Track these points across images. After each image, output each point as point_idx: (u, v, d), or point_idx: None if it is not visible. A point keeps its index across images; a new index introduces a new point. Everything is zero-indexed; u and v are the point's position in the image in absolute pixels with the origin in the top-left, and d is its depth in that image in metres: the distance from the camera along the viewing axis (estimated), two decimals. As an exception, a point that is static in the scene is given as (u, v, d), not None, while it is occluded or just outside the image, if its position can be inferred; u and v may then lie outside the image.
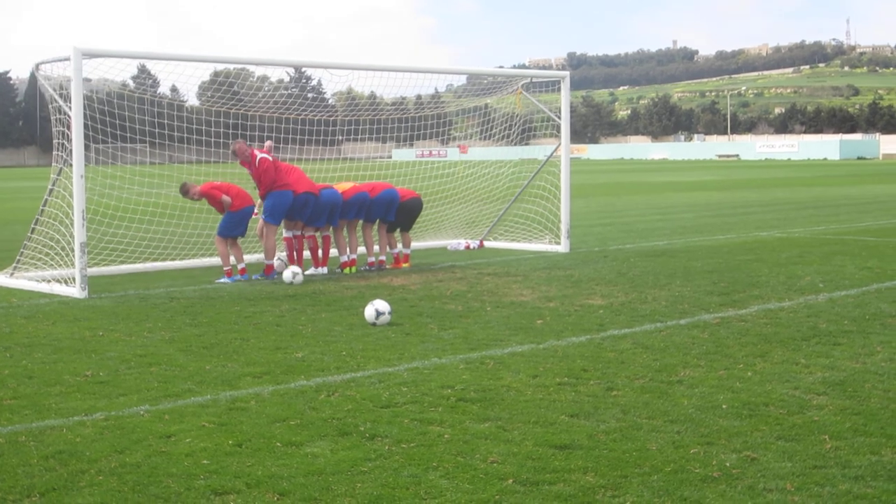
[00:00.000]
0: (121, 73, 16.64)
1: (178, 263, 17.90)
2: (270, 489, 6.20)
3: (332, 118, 21.61)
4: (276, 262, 16.75)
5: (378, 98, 25.64)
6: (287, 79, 37.03)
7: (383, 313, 11.82)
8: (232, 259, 16.15)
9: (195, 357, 10.14)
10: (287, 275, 15.61)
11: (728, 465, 6.58)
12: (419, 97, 26.25)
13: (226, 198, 16.07)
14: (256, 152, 16.42)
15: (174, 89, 27.51)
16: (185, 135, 19.56)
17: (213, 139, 19.58)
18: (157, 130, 19.41)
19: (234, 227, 16.17)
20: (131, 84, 23.00)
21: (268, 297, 14.32)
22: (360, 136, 22.18)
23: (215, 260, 17.41)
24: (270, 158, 16.43)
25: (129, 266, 17.39)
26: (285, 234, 16.84)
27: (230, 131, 19.63)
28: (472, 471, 6.50)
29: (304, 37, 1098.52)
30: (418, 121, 22.31)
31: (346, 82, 18.86)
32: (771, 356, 9.88)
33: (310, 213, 16.54)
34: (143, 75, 25.54)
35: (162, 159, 22.32)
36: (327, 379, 9.09)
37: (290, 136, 21.04)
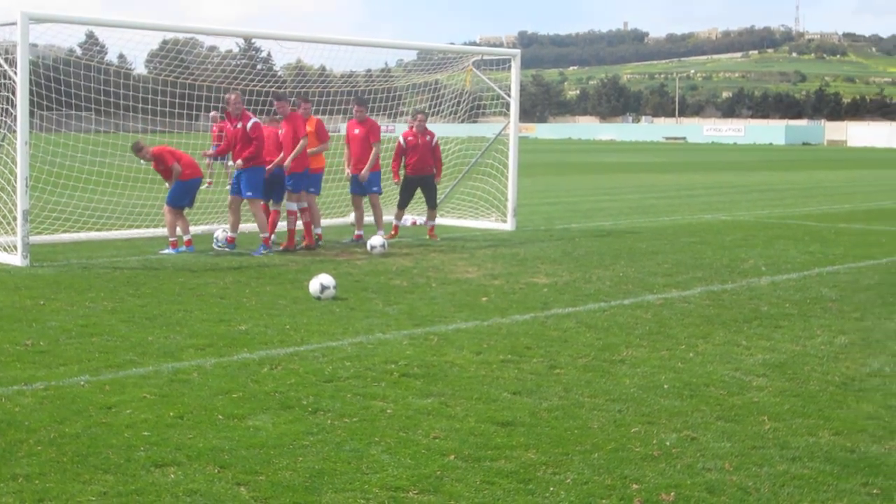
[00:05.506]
0: (68, 39, 16.49)
1: (121, 233, 17.72)
2: (211, 461, 6.18)
3: (280, 90, 21.45)
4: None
5: (328, 71, 25.49)
6: (236, 49, 36.76)
7: (328, 287, 11.81)
8: (178, 230, 16.00)
9: (137, 328, 10.06)
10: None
11: (668, 444, 6.65)
12: (369, 71, 26.12)
13: (177, 166, 15.83)
14: (249, 114, 16.20)
15: (122, 57, 27.20)
16: (132, 103, 19.34)
17: (163, 108, 19.36)
18: (103, 98, 19.16)
19: (182, 197, 15.97)
20: (78, 51, 22.68)
21: (212, 269, 14.24)
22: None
23: (159, 231, 17.26)
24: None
25: (72, 235, 17.20)
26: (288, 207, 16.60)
27: (178, 100, 19.44)
28: (414, 446, 6.52)
29: (254, 8, 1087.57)
30: (367, 94, 22.20)
31: (296, 54, 18.75)
32: (713, 337, 9.98)
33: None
34: (91, 42, 25.19)
35: (108, 127, 22.02)
36: (270, 352, 9.06)
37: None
